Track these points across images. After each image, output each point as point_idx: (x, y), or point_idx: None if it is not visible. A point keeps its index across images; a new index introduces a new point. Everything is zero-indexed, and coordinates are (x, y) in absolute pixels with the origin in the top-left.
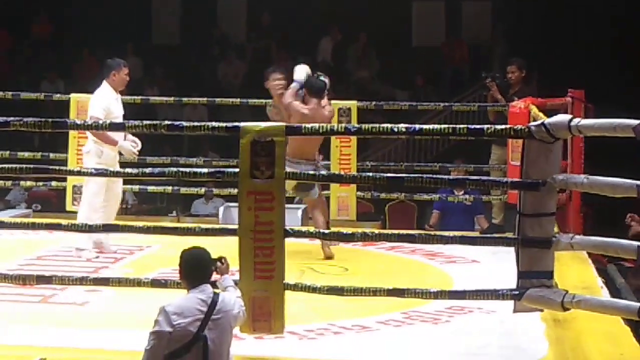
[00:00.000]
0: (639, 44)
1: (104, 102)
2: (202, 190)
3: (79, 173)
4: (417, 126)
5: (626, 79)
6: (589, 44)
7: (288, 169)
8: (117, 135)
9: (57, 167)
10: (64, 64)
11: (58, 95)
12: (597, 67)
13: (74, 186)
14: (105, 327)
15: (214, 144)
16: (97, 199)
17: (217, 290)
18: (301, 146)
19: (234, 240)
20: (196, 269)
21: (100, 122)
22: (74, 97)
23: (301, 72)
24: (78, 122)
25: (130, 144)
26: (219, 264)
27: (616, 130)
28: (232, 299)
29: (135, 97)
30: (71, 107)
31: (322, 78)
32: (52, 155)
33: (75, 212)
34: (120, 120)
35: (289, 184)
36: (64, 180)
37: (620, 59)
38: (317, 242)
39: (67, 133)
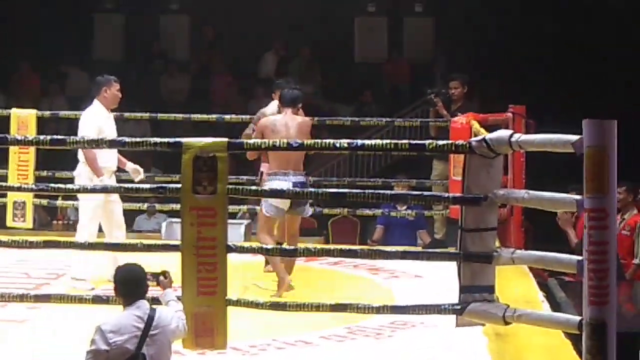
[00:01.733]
0: (576, 60)
1: (96, 121)
2: (145, 205)
3: (19, 189)
4: (360, 141)
5: (565, 94)
6: (529, 59)
7: (278, 182)
8: (110, 160)
9: None
10: (4, 78)
11: None
12: (538, 83)
13: (14, 202)
14: (45, 344)
15: (156, 159)
16: (93, 224)
17: (154, 306)
18: (287, 156)
19: (177, 256)
20: (131, 285)
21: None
22: (14, 112)
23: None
24: (19, 137)
25: (112, 182)
26: (161, 278)
27: (556, 145)
28: (169, 313)
29: (77, 112)
30: (11, 122)
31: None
32: None
33: (16, 228)
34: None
35: (285, 204)
36: (4, 196)
37: (559, 74)
38: (260, 257)
39: (7, 148)
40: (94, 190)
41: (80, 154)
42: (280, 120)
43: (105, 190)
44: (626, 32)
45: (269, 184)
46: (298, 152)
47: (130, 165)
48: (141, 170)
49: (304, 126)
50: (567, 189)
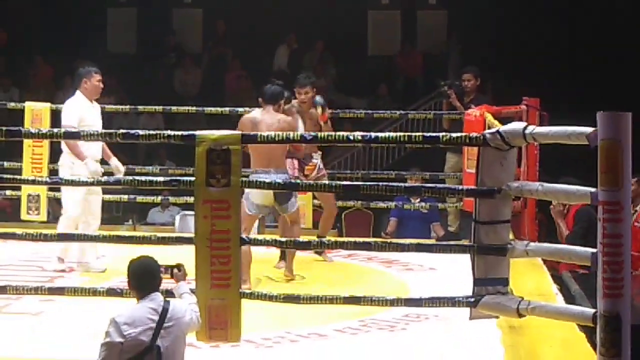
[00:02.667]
0: (590, 53)
1: (77, 110)
2: (159, 198)
3: (33, 182)
4: (373, 134)
5: (579, 87)
6: (543, 51)
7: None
8: (92, 149)
9: (11, 176)
10: (18, 72)
11: (12, 103)
12: (552, 75)
13: (28, 195)
14: (60, 337)
15: (170, 152)
16: (75, 214)
17: (167, 298)
18: (268, 154)
19: (190, 249)
20: (144, 278)
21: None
22: (28, 105)
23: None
24: (33, 130)
25: (96, 166)
26: (175, 270)
27: (570, 137)
28: (183, 305)
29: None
30: (26, 115)
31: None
32: (6, 164)
33: (30, 221)
34: (95, 129)
35: (268, 199)
36: (19, 189)
37: (573, 67)
38: (274, 250)
39: (22, 142)
40: (107, 182)
41: (63, 144)
42: (260, 117)
43: (118, 182)
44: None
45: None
46: (280, 149)
47: (114, 161)
48: (122, 169)
49: (284, 124)
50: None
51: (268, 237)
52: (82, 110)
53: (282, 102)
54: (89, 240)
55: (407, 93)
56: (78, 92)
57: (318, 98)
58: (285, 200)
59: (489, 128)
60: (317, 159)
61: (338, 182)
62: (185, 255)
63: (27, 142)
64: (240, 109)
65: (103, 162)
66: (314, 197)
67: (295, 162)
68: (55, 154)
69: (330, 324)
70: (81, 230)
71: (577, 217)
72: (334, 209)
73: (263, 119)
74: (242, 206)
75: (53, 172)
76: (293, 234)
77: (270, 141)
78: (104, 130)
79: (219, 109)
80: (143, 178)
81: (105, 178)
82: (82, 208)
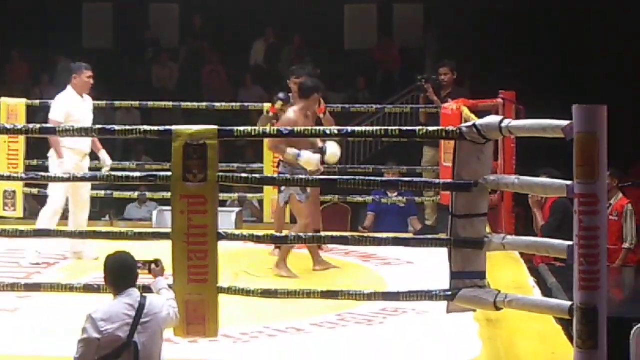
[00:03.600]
0: (567, 46)
1: (65, 105)
2: (135, 194)
3: (9, 178)
4: (350, 128)
5: (555, 80)
6: (520, 44)
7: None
8: (81, 141)
9: None
10: None
11: None
12: (528, 68)
13: (4, 191)
14: (36, 333)
15: (147, 147)
16: (57, 205)
17: (144, 294)
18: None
19: (167, 244)
20: (120, 273)
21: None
22: (3, 100)
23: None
24: (8, 126)
25: (71, 164)
26: (153, 266)
27: (546, 130)
28: (160, 301)
29: None
30: (1, 111)
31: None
32: None
33: (6, 217)
34: (84, 124)
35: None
36: None
37: (549, 60)
38: (251, 244)
39: None
40: (83, 178)
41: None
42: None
43: (94, 178)
44: (614, 18)
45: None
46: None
47: (102, 154)
48: (109, 162)
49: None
50: (537, 172)
51: (245, 232)
52: (70, 105)
53: (315, 96)
54: (66, 236)
55: (384, 87)
56: (69, 87)
57: (280, 94)
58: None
59: (466, 121)
60: None
61: (315, 177)
62: (163, 251)
63: (2, 138)
64: (217, 104)
65: (92, 154)
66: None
67: None
68: (31, 149)
69: (308, 318)
70: (70, 221)
71: (553, 209)
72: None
73: (301, 113)
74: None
75: (29, 168)
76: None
77: (245, 135)
78: (79, 126)
79: (196, 104)
80: (120, 173)
81: (81, 174)
82: (65, 200)
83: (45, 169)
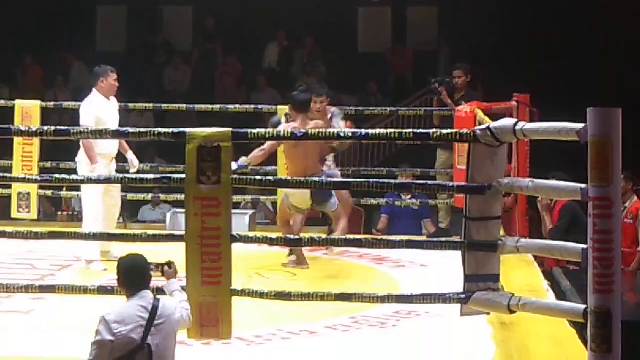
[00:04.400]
0: (582, 49)
1: (94, 110)
2: (149, 196)
3: (24, 180)
4: (364, 131)
5: (570, 83)
6: (534, 47)
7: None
8: (110, 147)
9: (1, 174)
10: (8, 71)
11: (2, 101)
12: (543, 71)
13: (19, 193)
14: (51, 334)
15: (160, 149)
16: (97, 207)
17: (157, 296)
18: (303, 163)
19: (181, 247)
20: (134, 275)
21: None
22: (18, 103)
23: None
24: (23, 128)
25: (104, 169)
26: (166, 268)
27: (560, 134)
28: (173, 303)
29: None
30: (16, 113)
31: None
32: None
33: (21, 220)
34: (112, 126)
35: (305, 202)
36: (9, 187)
37: (564, 63)
38: (265, 247)
39: (12, 140)
40: (98, 180)
41: (81, 141)
42: (300, 127)
43: (108, 181)
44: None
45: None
46: (314, 157)
47: (130, 155)
48: (137, 164)
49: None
50: (547, 175)
51: (259, 234)
52: (98, 110)
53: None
54: (82, 238)
55: (397, 90)
56: (94, 91)
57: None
58: (324, 201)
59: (480, 124)
60: (329, 162)
61: (329, 179)
62: (177, 253)
63: (17, 140)
64: (231, 106)
65: (120, 156)
66: None
67: None
68: (45, 152)
69: (322, 321)
70: (108, 221)
71: (562, 213)
72: (349, 208)
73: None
74: (283, 204)
75: (43, 170)
76: (339, 230)
77: (260, 138)
78: (94, 128)
79: (210, 107)
80: (134, 176)
81: (95, 176)
82: (102, 202)
83: (59, 172)
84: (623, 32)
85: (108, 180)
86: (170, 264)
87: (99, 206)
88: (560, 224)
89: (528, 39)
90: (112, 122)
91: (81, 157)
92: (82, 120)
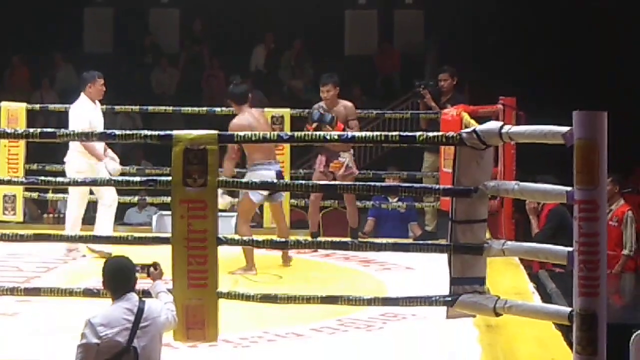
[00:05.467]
0: (567, 52)
1: (85, 114)
2: (136, 198)
3: (9, 182)
4: (350, 133)
5: (556, 86)
6: (520, 51)
7: (263, 172)
8: (101, 148)
9: None
10: None
11: None
12: (528, 74)
13: (4, 195)
14: (36, 337)
15: (147, 152)
16: (81, 210)
17: (143, 298)
18: (269, 146)
19: (167, 249)
20: (119, 278)
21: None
22: (4, 105)
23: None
24: (8, 130)
25: (115, 165)
26: (152, 269)
27: (546, 137)
28: (158, 305)
29: (67, 106)
30: (1, 115)
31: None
32: None
33: (6, 222)
34: (101, 130)
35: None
36: None
37: (549, 67)
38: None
39: None
40: (84, 183)
41: (72, 142)
42: (254, 121)
43: (94, 183)
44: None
45: (257, 174)
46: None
47: (109, 153)
48: (117, 161)
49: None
50: (535, 178)
51: (245, 237)
52: (89, 113)
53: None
54: (68, 240)
55: (384, 92)
56: (83, 95)
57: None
58: (275, 193)
59: (466, 127)
60: (344, 158)
61: (315, 182)
62: (162, 256)
63: (2, 142)
64: (217, 109)
65: None
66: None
67: (323, 158)
68: (31, 154)
69: (308, 324)
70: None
71: (549, 217)
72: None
73: (257, 120)
74: (247, 198)
75: (29, 173)
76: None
77: (247, 141)
78: (79, 130)
79: (196, 109)
80: (120, 178)
81: (81, 178)
82: (84, 205)
83: (45, 174)
84: (612, 34)
85: (94, 183)
86: (155, 265)
87: (81, 210)
88: (546, 228)
89: (514, 42)
90: (101, 124)
91: (70, 156)
92: (74, 124)
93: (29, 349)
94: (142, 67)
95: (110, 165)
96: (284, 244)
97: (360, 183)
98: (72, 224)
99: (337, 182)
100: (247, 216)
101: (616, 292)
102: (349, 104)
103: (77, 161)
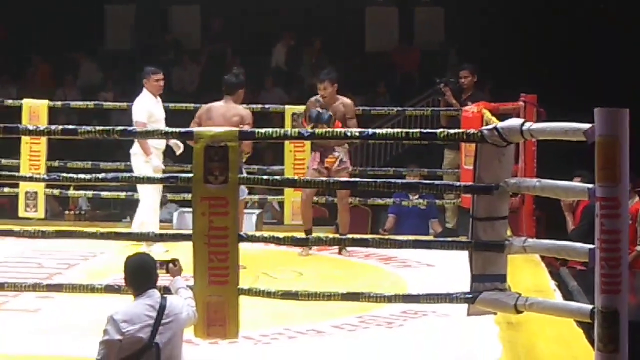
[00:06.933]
0: (589, 49)
1: (145, 106)
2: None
3: (31, 179)
4: (371, 130)
5: (577, 83)
6: (541, 47)
7: None
8: (160, 141)
9: (9, 173)
10: (16, 69)
11: (10, 100)
12: (549, 71)
13: (26, 192)
14: (58, 333)
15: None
16: (154, 199)
17: (164, 295)
18: None
19: (188, 246)
20: (141, 274)
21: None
22: (26, 102)
23: None
24: (30, 127)
25: (159, 162)
26: (171, 265)
27: (567, 134)
28: (180, 301)
29: (89, 103)
30: (23, 112)
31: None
32: (4, 161)
33: (28, 219)
34: (162, 123)
35: None
36: (17, 186)
37: (571, 63)
38: (272, 246)
39: (20, 139)
40: (105, 179)
41: None
42: (216, 107)
43: (116, 179)
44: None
45: None
46: None
47: (172, 141)
48: (181, 145)
49: (235, 117)
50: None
51: (266, 234)
52: (149, 107)
53: (241, 91)
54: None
55: (404, 90)
56: (144, 90)
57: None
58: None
59: (487, 124)
60: (339, 152)
61: (336, 179)
62: (183, 252)
63: (24, 139)
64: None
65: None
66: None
67: (317, 154)
68: (52, 151)
69: (328, 321)
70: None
71: (584, 213)
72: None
73: (217, 109)
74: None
75: (51, 169)
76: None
77: (267, 138)
78: (100, 128)
79: None
80: (141, 175)
81: (102, 175)
82: (158, 195)
83: (67, 171)
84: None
85: (115, 179)
86: (175, 262)
87: (156, 197)
88: (582, 225)
89: (535, 39)
90: (162, 118)
91: (136, 149)
92: (135, 116)
93: (51, 345)
94: (163, 64)
95: (154, 161)
96: (305, 241)
97: (381, 180)
98: (149, 211)
99: (357, 179)
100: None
101: (631, 290)
102: (348, 101)
103: (141, 153)
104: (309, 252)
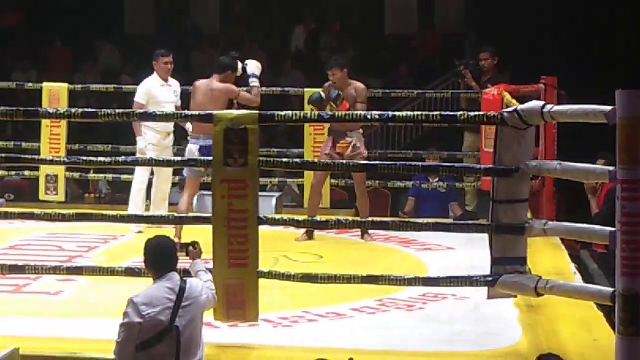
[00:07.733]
0: (609, 32)
1: (145, 87)
2: (176, 178)
3: (51, 162)
4: (390, 113)
5: (598, 65)
6: (561, 30)
7: (190, 145)
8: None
9: (29, 156)
10: (36, 53)
11: (30, 84)
12: (570, 54)
13: (46, 175)
14: (78, 316)
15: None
16: (141, 179)
17: (184, 277)
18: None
19: (208, 229)
20: (161, 257)
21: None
22: (46, 85)
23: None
24: (50, 110)
25: (145, 145)
26: (190, 248)
27: (588, 116)
28: (199, 284)
29: (108, 86)
30: (43, 96)
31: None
32: (24, 144)
33: (48, 201)
34: (167, 106)
35: None
36: (37, 169)
37: (592, 45)
38: (291, 229)
39: (40, 122)
40: (125, 162)
41: None
42: (199, 84)
43: (135, 162)
44: None
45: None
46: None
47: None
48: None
49: (216, 92)
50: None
51: (285, 216)
52: (151, 89)
53: (229, 73)
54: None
55: (424, 72)
56: (154, 72)
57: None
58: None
59: (507, 107)
60: (351, 137)
61: (356, 162)
62: (202, 234)
63: (44, 123)
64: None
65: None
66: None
67: (330, 139)
68: (72, 134)
69: (348, 303)
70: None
71: (608, 197)
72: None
73: (200, 85)
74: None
75: (71, 152)
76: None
77: (286, 120)
78: (120, 110)
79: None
80: (161, 158)
81: (122, 158)
82: (147, 175)
83: (87, 154)
84: None
85: (135, 162)
86: (194, 244)
87: (143, 178)
88: (605, 208)
89: (556, 21)
90: (165, 101)
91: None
92: (135, 97)
93: (72, 327)
94: (182, 48)
95: (140, 143)
96: (325, 223)
97: (401, 163)
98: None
99: (377, 162)
100: (189, 190)
101: None
102: (360, 85)
103: (147, 135)
104: (307, 238)
